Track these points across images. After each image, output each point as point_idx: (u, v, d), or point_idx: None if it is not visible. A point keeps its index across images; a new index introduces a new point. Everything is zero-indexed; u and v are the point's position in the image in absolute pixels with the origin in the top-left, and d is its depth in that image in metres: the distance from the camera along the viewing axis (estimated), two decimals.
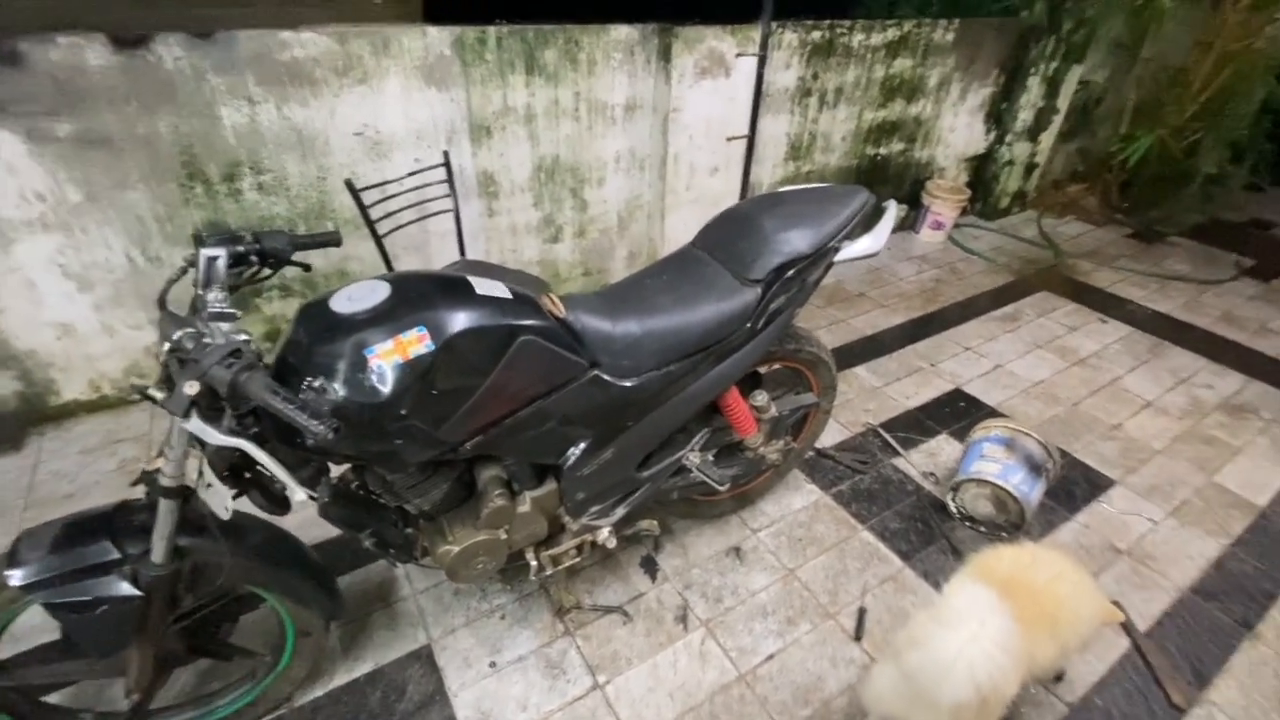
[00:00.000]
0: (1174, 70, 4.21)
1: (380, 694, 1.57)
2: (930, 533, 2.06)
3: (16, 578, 1.04)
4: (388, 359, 1.05)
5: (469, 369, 1.13)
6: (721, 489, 1.63)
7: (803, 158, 3.59)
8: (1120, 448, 2.46)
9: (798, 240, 1.44)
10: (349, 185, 2.11)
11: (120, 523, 1.12)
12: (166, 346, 0.93)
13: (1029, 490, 1.93)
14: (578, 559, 1.62)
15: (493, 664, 1.64)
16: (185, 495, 1.08)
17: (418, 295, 1.12)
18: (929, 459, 2.37)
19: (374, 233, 2.20)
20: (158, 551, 1.09)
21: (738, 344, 1.46)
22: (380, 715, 1.52)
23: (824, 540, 2.02)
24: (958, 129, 4.13)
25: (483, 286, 1.19)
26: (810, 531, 2.05)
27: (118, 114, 1.99)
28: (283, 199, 2.36)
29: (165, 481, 1.04)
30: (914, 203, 4.18)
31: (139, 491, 1.12)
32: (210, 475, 1.01)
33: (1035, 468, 1.98)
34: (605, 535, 1.58)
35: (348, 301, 1.09)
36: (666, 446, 1.59)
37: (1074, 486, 2.26)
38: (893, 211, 1.64)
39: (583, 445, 1.39)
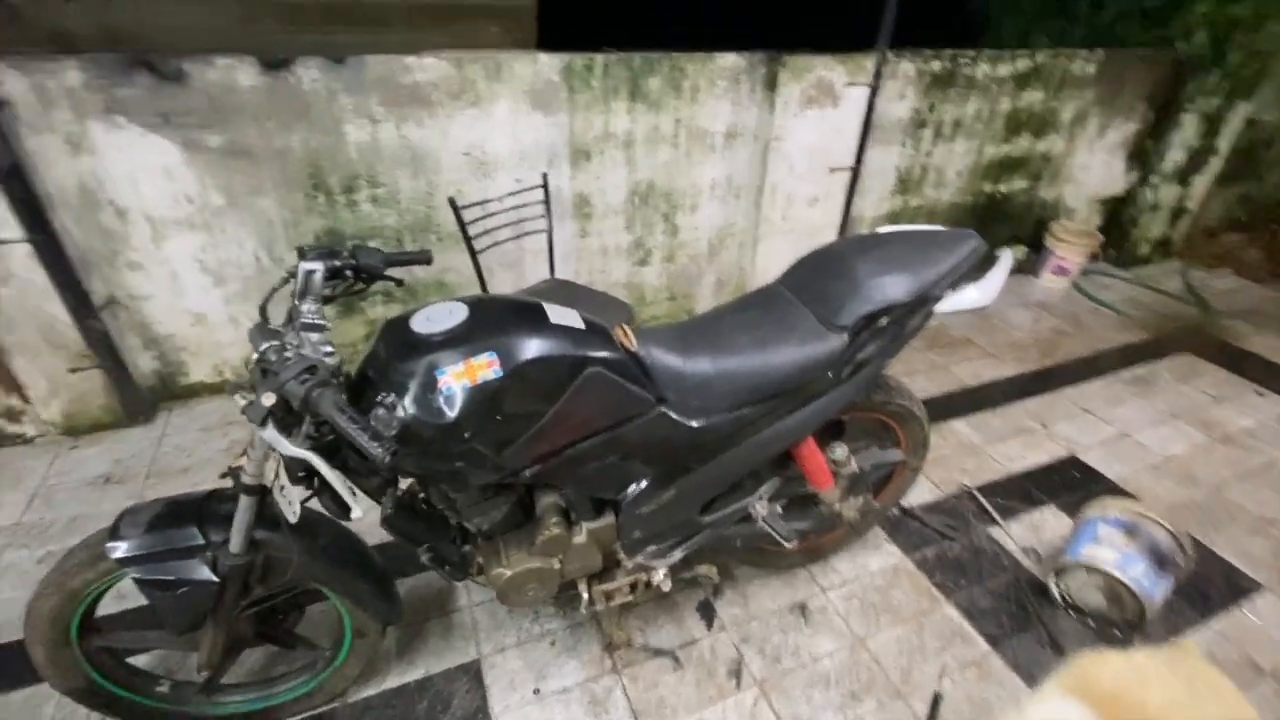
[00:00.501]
0: None
1: (427, 703, 1.59)
2: (1026, 618, 1.84)
3: (116, 550, 1.14)
4: (457, 381, 1.06)
5: (535, 397, 1.13)
6: (788, 545, 1.53)
7: (912, 192, 3.40)
8: (1273, 546, 2.10)
9: (893, 287, 1.33)
10: (452, 203, 2.21)
11: (208, 510, 1.20)
12: (255, 356, 0.98)
13: (1151, 586, 1.68)
14: (630, 597, 1.57)
15: (537, 691, 1.62)
16: (263, 493, 1.14)
17: (492, 320, 1.13)
18: (1031, 533, 2.13)
19: (471, 249, 2.28)
20: (235, 542, 1.16)
21: (818, 392, 1.37)
22: None
23: (901, 609, 1.85)
24: (1092, 167, 3.77)
25: (557, 315, 1.18)
26: (886, 598, 1.89)
27: (259, 128, 2.20)
28: (393, 212, 2.51)
29: (245, 479, 1.10)
30: (1035, 245, 3.84)
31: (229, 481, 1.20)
32: (284, 478, 1.06)
33: (1161, 560, 1.73)
34: (660, 576, 1.52)
35: (426, 321, 1.12)
36: (733, 492, 1.51)
37: (1209, 586, 1.95)
38: (1007, 261, 1.50)
39: (644, 483, 1.35)
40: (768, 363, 1.30)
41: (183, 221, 2.27)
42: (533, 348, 1.10)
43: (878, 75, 2.79)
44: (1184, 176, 3.81)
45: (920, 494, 2.26)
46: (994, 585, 1.94)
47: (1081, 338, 3.33)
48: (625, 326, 1.29)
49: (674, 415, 1.27)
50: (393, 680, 1.63)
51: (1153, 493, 2.31)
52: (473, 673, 1.66)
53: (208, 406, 2.60)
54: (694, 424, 1.28)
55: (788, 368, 1.30)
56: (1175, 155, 3.72)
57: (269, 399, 0.91)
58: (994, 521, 2.16)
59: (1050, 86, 3.32)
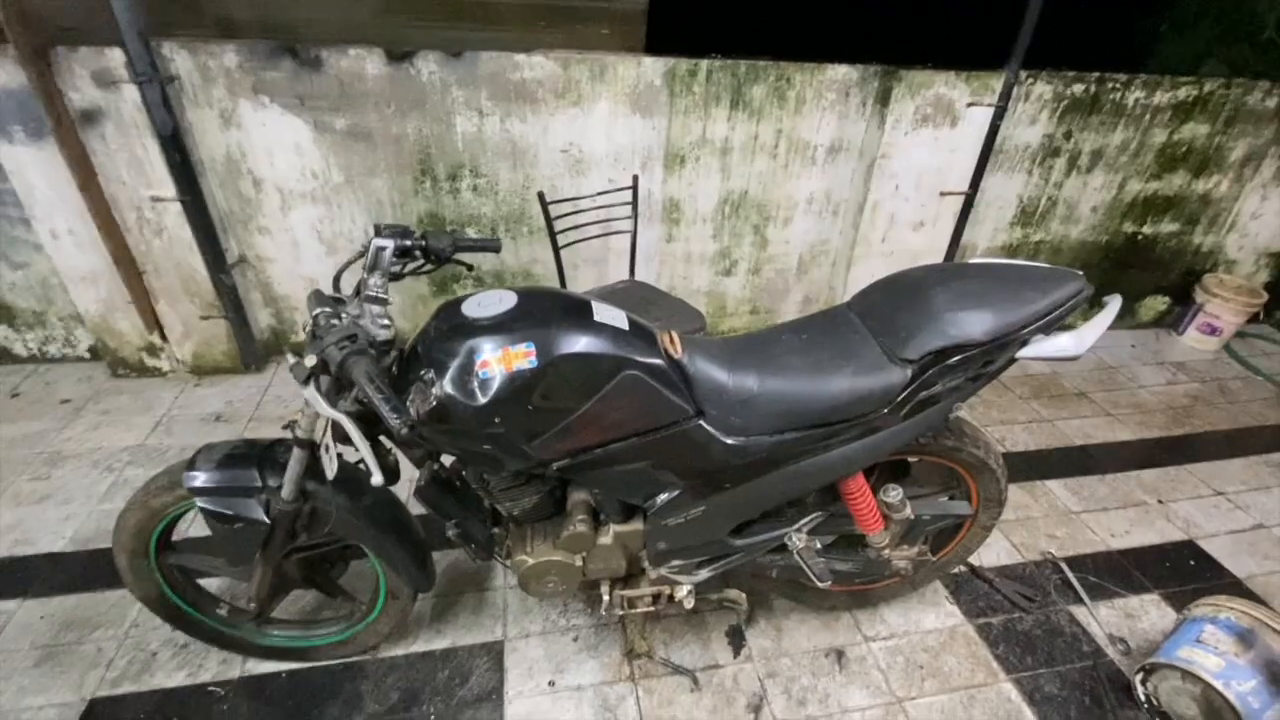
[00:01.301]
0: None
1: (448, 674, 1.64)
2: (1100, 715, 1.62)
3: (190, 481, 1.26)
4: (493, 367, 1.08)
5: (568, 392, 1.13)
6: (820, 584, 1.44)
7: (1034, 225, 3.11)
8: None
9: (971, 323, 1.21)
10: (540, 197, 2.28)
11: (269, 457, 1.31)
12: (311, 320, 1.06)
13: (1260, 707, 1.42)
14: (653, 608, 1.54)
15: (552, 683, 1.63)
16: (313, 448, 1.22)
17: (537, 312, 1.14)
18: (1123, 620, 1.88)
19: (554, 243, 2.34)
20: (287, 490, 1.26)
21: (871, 427, 1.27)
22: (441, 694, 1.59)
23: (951, 677, 1.69)
24: (1264, 215, 3.27)
25: (602, 314, 1.18)
26: (936, 660, 1.73)
27: (379, 114, 2.37)
28: (491, 201, 2.63)
29: (299, 433, 1.19)
30: (1180, 297, 3.40)
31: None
32: (329, 437, 1.13)
33: (1278, 679, 1.46)
34: (684, 593, 1.48)
35: (477, 307, 1.15)
36: (770, 518, 1.44)
37: None
38: (1114, 310, 1.32)
39: (674, 494, 1.32)
40: (818, 388, 1.23)
41: (307, 194, 2.50)
42: (571, 343, 1.11)
43: (1006, 96, 2.57)
44: None
45: (996, 554, 2.06)
46: (1066, 670, 1.72)
47: (1225, 409, 2.89)
48: (673, 333, 1.27)
49: (711, 430, 1.23)
50: (420, 645, 1.70)
51: None
52: (495, 653, 1.70)
53: None
54: (729, 441, 1.23)
55: (839, 396, 1.22)
56: None
57: (310, 360, 0.98)
58: (1079, 599, 1.93)
59: (1218, 119, 2.91)
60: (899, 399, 1.24)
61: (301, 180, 2.47)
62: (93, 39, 2.02)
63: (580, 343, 1.11)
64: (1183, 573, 2.04)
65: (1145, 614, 1.90)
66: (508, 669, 1.66)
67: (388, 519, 1.42)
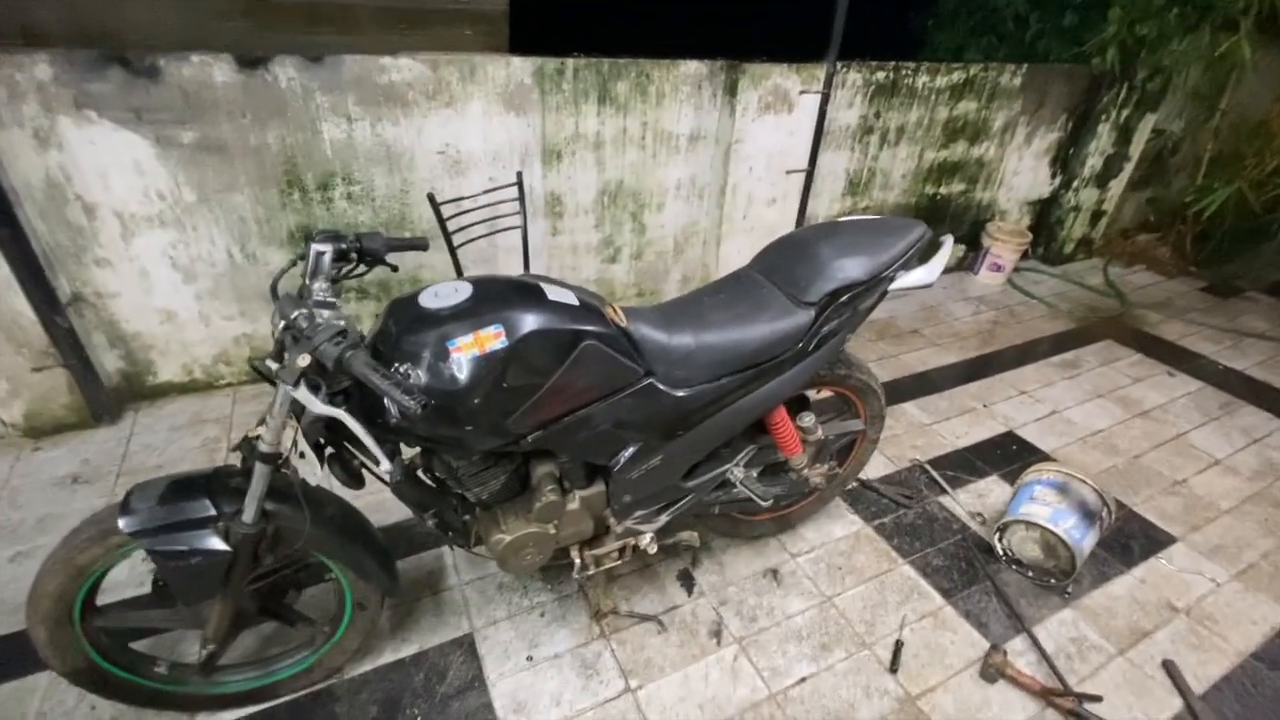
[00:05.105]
0: (1255, 123, 4.09)
1: (423, 676, 1.64)
2: (974, 573, 2.02)
3: (127, 525, 1.17)
4: (467, 351, 1.15)
5: (537, 367, 1.22)
6: (765, 505, 1.66)
7: (860, 194, 3.63)
8: (1183, 504, 2.37)
9: (853, 267, 1.49)
10: (431, 199, 2.27)
11: (217, 485, 1.24)
12: (282, 324, 1.05)
13: (1080, 537, 1.89)
14: (619, 561, 1.67)
15: (530, 658, 1.70)
16: (278, 462, 1.19)
17: (497, 296, 1.22)
18: (977, 499, 2.34)
19: (449, 244, 2.35)
20: (249, 512, 1.21)
21: (789, 363, 1.51)
22: (422, 695, 1.60)
23: (863, 571, 2.01)
24: (1022, 172, 4.10)
25: (554, 293, 1.29)
26: (850, 561, 2.05)
27: (234, 125, 2.21)
28: (368, 208, 2.55)
29: (263, 448, 1.16)
30: (973, 244, 4.15)
31: (234, 458, 1.25)
32: (304, 444, 1.12)
33: (1089, 515, 1.94)
34: (647, 541, 1.63)
35: (434, 298, 1.21)
36: (713, 459, 1.64)
37: (1131, 540, 2.18)
38: (949, 246, 1.67)
39: (633, 449, 1.46)
40: (744, 336, 1.43)
41: (153, 218, 2.26)
42: (534, 321, 1.20)
43: (828, 84, 2.99)
44: (1101, 181, 4.18)
45: (876, 469, 2.44)
46: (945, 546, 2.12)
47: (1016, 328, 3.61)
48: (615, 305, 1.40)
49: (661, 386, 1.39)
50: (388, 656, 1.68)
51: (1081, 461, 2.55)
52: (466, 645, 1.73)
53: (176, 406, 2.57)
54: (679, 394, 1.40)
55: (762, 340, 1.44)
56: (1093, 162, 4.08)
57: (304, 360, 0.98)
58: (943, 491, 2.36)
59: (982, 97, 3.61)
60: (808, 336, 1.48)
61: (146, 203, 2.23)
62: None
63: (542, 320, 1.21)
64: (1009, 455, 2.57)
65: (990, 491, 2.38)
66: (483, 656, 1.70)
67: (353, 527, 1.41)
